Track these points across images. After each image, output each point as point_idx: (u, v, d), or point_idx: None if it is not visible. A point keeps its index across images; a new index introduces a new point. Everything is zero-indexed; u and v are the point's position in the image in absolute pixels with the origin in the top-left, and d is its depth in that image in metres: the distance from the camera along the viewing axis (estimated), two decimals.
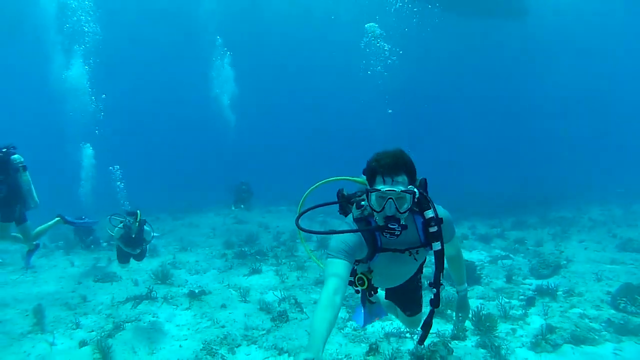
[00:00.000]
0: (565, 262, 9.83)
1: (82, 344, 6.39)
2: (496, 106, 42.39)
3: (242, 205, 15.16)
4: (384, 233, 2.43)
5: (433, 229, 2.52)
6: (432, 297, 2.67)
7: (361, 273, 2.74)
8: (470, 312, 6.42)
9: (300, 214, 2.91)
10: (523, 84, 38.44)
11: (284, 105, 46.72)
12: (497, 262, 10.40)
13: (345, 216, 2.92)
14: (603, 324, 6.50)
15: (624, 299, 7.05)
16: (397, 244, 2.58)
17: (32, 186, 6.83)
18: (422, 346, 3.73)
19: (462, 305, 3.45)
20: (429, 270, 2.76)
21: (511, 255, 11.00)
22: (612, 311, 6.95)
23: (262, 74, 38.02)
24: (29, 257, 7.99)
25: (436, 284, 2.65)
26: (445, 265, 2.68)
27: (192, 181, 33.39)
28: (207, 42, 29.11)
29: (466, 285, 3.39)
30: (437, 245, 2.53)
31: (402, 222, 2.42)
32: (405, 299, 3.52)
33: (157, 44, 34.37)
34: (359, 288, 2.80)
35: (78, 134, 17.37)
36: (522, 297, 7.88)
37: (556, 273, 9.15)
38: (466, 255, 10.98)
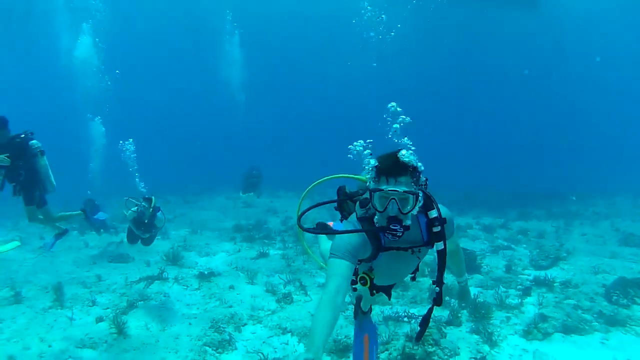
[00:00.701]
0: (565, 254, 10.01)
1: (99, 319, 6.77)
2: (511, 98, 42.12)
3: (251, 193, 15.42)
4: (386, 234, 2.46)
5: (436, 229, 2.55)
6: (435, 295, 2.71)
7: (363, 272, 2.74)
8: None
9: (302, 214, 2.95)
10: (533, 77, 38.10)
11: (295, 86, 46.19)
12: (499, 252, 10.63)
13: (341, 213, 3.05)
14: (595, 315, 6.72)
15: (617, 292, 7.27)
16: (400, 242, 2.58)
17: (50, 171, 7.15)
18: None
19: (463, 295, 3.56)
20: (430, 257, 2.90)
21: (513, 246, 11.23)
22: (605, 303, 7.15)
23: (271, 53, 37.81)
24: (55, 240, 8.37)
25: (439, 282, 2.68)
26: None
27: (203, 164, 33.54)
28: (216, 19, 29.04)
29: (466, 275, 3.48)
30: (439, 245, 2.57)
31: (405, 223, 2.43)
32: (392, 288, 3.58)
33: (165, 23, 34.32)
34: (360, 287, 2.81)
35: (88, 112, 17.63)
36: (519, 287, 8.12)
37: (555, 265, 9.38)
38: (469, 244, 11.23)
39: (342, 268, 2.40)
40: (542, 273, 8.56)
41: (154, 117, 44.96)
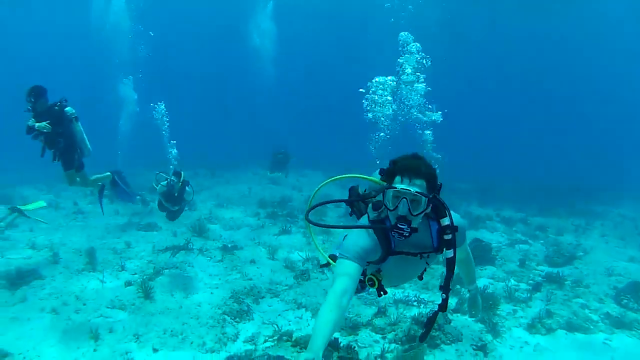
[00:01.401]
0: (581, 253, 10.11)
1: (128, 284, 7.28)
2: (543, 91, 41.21)
3: (279, 173, 15.72)
4: (392, 232, 2.43)
5: (447, 237, 2.51)
6: (441, 301, 2.68)
7: (371, 274, 2.74)
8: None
9: (311, 209, 2.94)
10: (568, 69, 37.10)
11: (325, 61, 45.23)
12: (515, 246, 10.77)
13: (352, 209, 3.08)
14: (601, 316, 6.90)
15: (629, 295, 7.38)
16: (410, 247, 2.57)
17: (85, 135, 7.57)
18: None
19: (473, 303, 3.54)
20: None
21: (530, 241, 11.34)
22: (614, 305, 7.30)
23: (303, 26, 37.25)
24: (101, 201, 8.91)
25: (446, 289, 2.64)
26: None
27: (231, 137, 33.66)
28: None
29: (476, 284, 3.47)
30: (449, 253, 2.53)
31: (413, 224, 2.41)
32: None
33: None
34: (370, 289, 2.81)
35: (120, 74, 17.80)
36: (530, 281, 8.31)
37: (569, 263, 9.47)
38: (487, 236, 11.40)
39: (350, 269, 2.42)
40: (555, 270, 8.70)
41: (184, 86, 45.01)
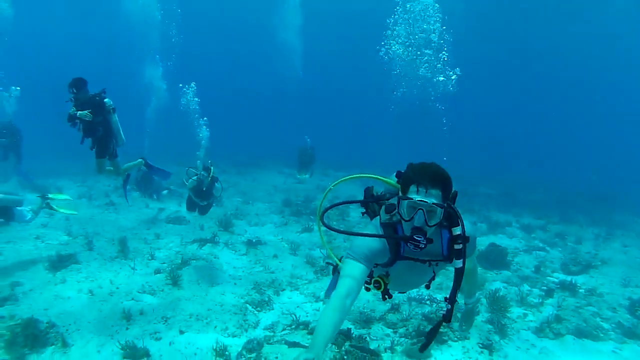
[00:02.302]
0: (599, 263, 10.14)
1: (157, 271, 7.80)
2: (572, 98, 40.62)
3: (305, 175, 16.06)
4: (408, 244, 2.40)
5: (458, 246, 2.48)
6: (445, 312, 2.63)
7: (378, 276, 2.72)
8: (487, 294, 7.20)
9: (325, 210, 2.88)
10: (596, 80, 36.44)
11: (353, 57, 44.96)
12: (532, 252, 10.86)
13: (366, 210, 3.10)
14: (613, 325, 6.97)
15: None
16: (419, 254, 2.53)
17: (120, 126, 7.99)
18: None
19: (467, 317, 3.52)
20: None
21: (547, 248, 11.40)
22: (627, 316, 7.34)
23: (332, 19, 37.16)
24: (126, 190, 9.35)
25: (452, 300, 2.59)
26: None
27: (258, 135, 33.96)
28: None
29: (474, 299, 3.43)
30: (458, 263, 2.49)
31: (429, 235, 2.38)
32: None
33: None
34: (374, 290, 2.79)
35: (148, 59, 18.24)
36: (544, 287, 8.42)
37: (585, 272, 9.54)
38: (505, 241, 11.52)
39: (356, 270, 2.43)
40: (569, 278, 8.81)
41: (209, 83, 45.37)
